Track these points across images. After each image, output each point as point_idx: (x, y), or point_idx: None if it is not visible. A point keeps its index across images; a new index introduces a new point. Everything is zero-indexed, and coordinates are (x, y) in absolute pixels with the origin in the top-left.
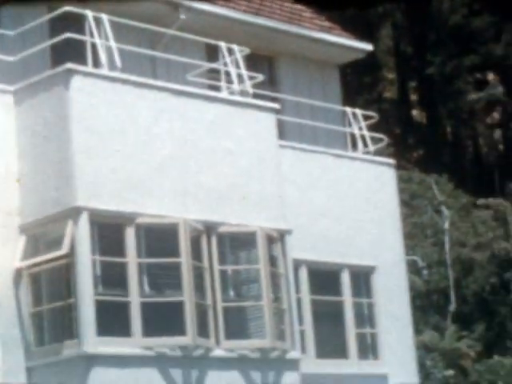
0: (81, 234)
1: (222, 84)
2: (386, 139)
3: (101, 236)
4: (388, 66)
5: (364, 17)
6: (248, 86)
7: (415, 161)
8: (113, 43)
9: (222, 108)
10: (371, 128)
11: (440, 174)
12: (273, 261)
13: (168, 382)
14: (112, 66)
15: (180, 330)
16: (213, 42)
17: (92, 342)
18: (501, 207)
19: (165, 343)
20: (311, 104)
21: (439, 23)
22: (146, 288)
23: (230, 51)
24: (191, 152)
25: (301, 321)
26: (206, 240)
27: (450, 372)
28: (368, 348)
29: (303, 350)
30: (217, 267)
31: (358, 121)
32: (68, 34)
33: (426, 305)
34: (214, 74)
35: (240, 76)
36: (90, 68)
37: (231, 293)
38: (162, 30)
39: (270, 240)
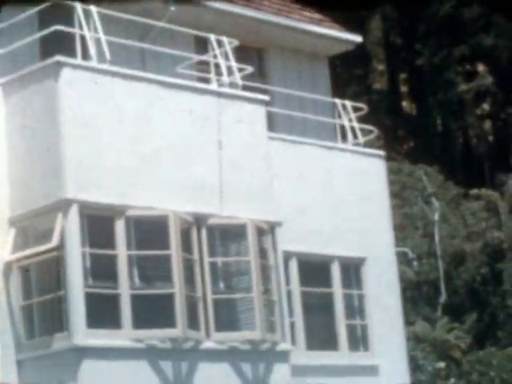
0: (70, 227)
1: (212, 76)
2: (375, 131)
3: (90, 228)
4: (378, 58)
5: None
6: (237, 77)
7: (405, 152)
8: (102, 35)
9: (212, 100)
10: (361, 119)
11: (430, 166)
12: (263, 253)
13: (158, 374)
14: (101, 58)
15: (170, 322)
16: (202, 34)
17: (82, 334)
18: (491, 198)
19: (155, 335)
20: (301, 96)
21: (429, 14)
22: (136, 280)
23: (220, 43)
24: (181, 144)
25: (291, 313)
26: (196, 232)
27: (441, 364)
28: (358, 339)
29: (293, 341)
30: (207, 259)
31: (348, 112)
32: (57, 27)
33: (417, 296)
34: (203, 66)
35: (229, 68)
36: (79, 60)
37: (221, 285)
38: (152, 22)
39: (260, 232)
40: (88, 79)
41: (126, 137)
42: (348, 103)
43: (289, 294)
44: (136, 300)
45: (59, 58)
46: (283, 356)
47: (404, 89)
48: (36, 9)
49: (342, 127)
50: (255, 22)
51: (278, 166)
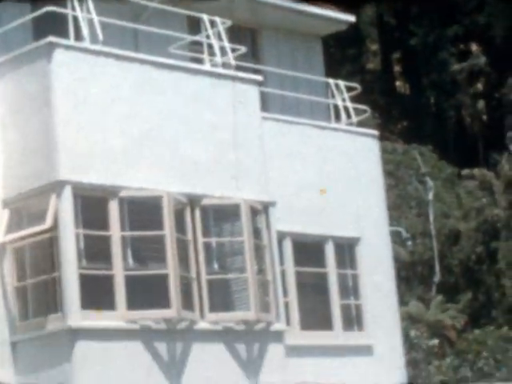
0: (64, 208)
1: (205, 56)
2: (369, 110)
3: (84, 209)
4: (371, 38)
5: None
6: (231, 58)
7: (399, 132)
8: (95, 16)
9: (205, 80)
10: (354, 99)
11: (424, 145)
12: (257, 233)
13: (152, 354)
14: (94, 39)
15: (164, 303)
16: (195, 14)
17: (76, 315)
18: (486, 177)
19: (149, 316)
20: (294, 76)
21: None
22: (130, 261)
23: (213, 23)
24: (174, 125)
25: (285, 293)
26: (190, 213)
27: (435, 341)
28: (353, 319)
29: (288, 321)
30: (201, 240)
31: (341, 92)
32: (49, 8)
33: (411, 276)
34: (196, 46)
35: (222, 48)
36: (72, 41)
37: (215, 265)
38: (144, 2)
39: (254, 212)
40: (81, 60)
41: (119, 117)
42: (341, 83)
43: (283, 274)
44: (130, 281)
45: (52, 39)
46: (277, 336)
47: (397, 69)
48: None
49: (336, 107)
50: (248, 2)
51: (272, 146)
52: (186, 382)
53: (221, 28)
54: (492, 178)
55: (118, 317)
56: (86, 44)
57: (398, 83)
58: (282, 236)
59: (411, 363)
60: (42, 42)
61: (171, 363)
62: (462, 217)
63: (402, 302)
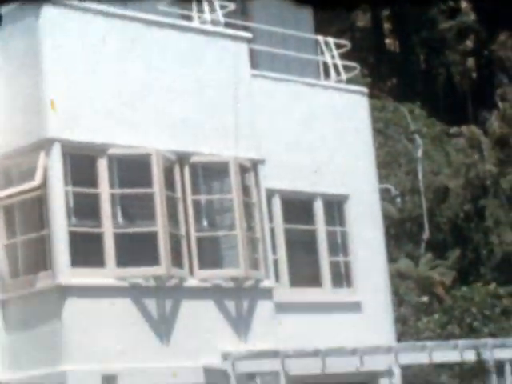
0: (53, 166)
1: (194, 14)
2: (358, 68)
3: (73, 167)
4: None
5: None
6: (219, 15)
7: (388, 90)
8: None
9: (194, 38)
10: (344, 57)
11: (413, 103)
12: (246, 190)
13: (142, 312)
14: None
15: (154, 261)
16: None
17: (66, 273)
18: (475, 135)
19: (138, 273)
20: (283, 33)
21: None
22: (119, 219)
23: None
24: (163, 82)
25: (274, 250)
26: (179, 170)
27: (424, 299)
28: (342, 276)
29: (277, 278)
30: (190, 197)
31: (331, 49)
32: None
33: (400, 233)
34: (185, 3)
35: (211, 5)
36: None
37: (205, 223)
38: None
39: (243, 170)
40: (69, 17)
41: (108, 75)
42: (331, 40)
43: (272, 231)
44: (119, 238)
45: None
46: (267, 293)
47: (387, 26)
48: None
49: (325, 64)
50: None
51: (261, 104)
52: (176, 338)
53: None
54: (481, 136)
55: (107, 274)
56: (75, 1)
57: (387, 41)
58: (271, 193)
59: (400, 320)
60: None
61: (161, 320)
62: (451, 174)
63: (391, 258)
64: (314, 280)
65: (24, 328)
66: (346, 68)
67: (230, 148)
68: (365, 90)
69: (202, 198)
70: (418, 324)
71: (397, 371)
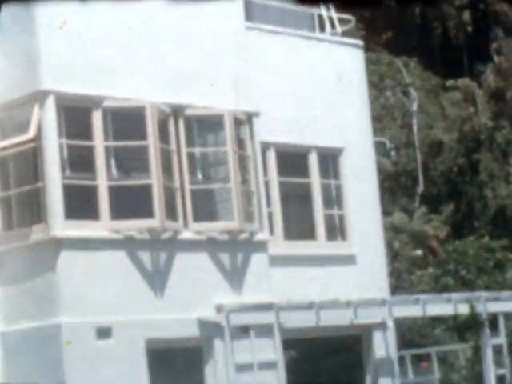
0: (47, 118)
1: None
2: (353, 20)
3: (68, 120)
4: None
5: None
6: None
7: (384, 43)
8: None
9: None
10: (339, 9)
11: (409, 56)
12: (241, 143)
13: (136, 264)
14: None
15: (148, 213)
16: None
17: (60, 225)
18: (470, 88)
19: (133, 226)
20: None
21: None
22: (114, 171)
23: None
24: (158, 35)
25: (269, 203)
26: (174, 123)
27: (418, 252)
28: (336, 229)
29: (271, 231)
30: (184, 150)
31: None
32: None
33: (395, 186)
34: None
35: None
36: None
37: (199, 175)
38: None
39: (238, 122)
40: None
41: (102, 27)
42: None
43: (267, 184)
44: (114, 191)
45: None
46: (261, 246)
47: None
48: None
49: (320, 17)
50: None
51: (256, 57)
52: (170, 291)
53: None
54: (476, 89)
55: (101, 227)
56: None
57: None
58: (265, 146)
59: (394, 273)
60: None
61: (155, 273)
62: (446, 128)
63: (386, 212)
64: (309, 233)
65: (18, 281)
66: (342, 21)
67: (224, 101)
68: (360, 43)
69: (197, 150)
70: (412, 277)
71: (390, 324)
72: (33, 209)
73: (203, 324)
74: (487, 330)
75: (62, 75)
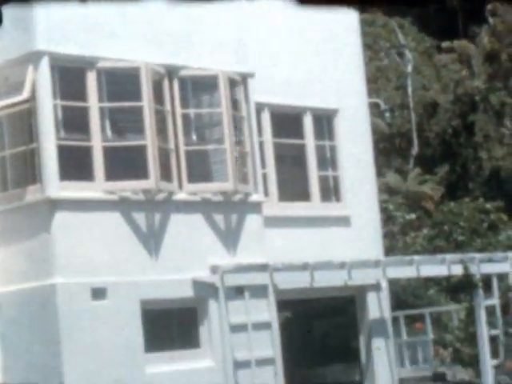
0: (41, 79)
1: None
2: None
3: (62, 80)
4: None
5: None
6: None
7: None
8: None
9: None
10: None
11: (403, 18)
12: (235, 104)
13: (131, 225)
14: None
15: (143, 174)
16: None
17: (55, 186)
18: (465, 49)
19: (127, 187)
20: None
21: None
22: (108, 132)
23: None
24: None
25: (263, 164)
26: (168, 84)
27: (412, 216)
28: (330, 190)
29: (266, 192)
30: (179, 111)
31: None
32: None
33: (389, 148)
34: None
35: None
36: None
37: (194, 136)
38: None
39: (232, 83)
40: None
41: None
42: None
43: (261, 145)
44: (108, 152)
45: None
46: (255, 207)
47: None
48: None
49: None
50: None
51: (250, 18)
52: (164, 252)
53: None
54: (471, 50)
55: (96, 188)
56: None
57: None
58: (260, 107)
59: (388, 235)
60: None
61: (150, 234)
62: (441, 89)
63: (380, 173)
64: (303, 194)
65: (13, 241)
66: None
67: (219, 61)
68: None
69: (191, 111)
70: (406, 239)
71: (384, 285)
72: (27, 170)
73: (198, 285)
74: (480, 291)
75: (57, 36)
